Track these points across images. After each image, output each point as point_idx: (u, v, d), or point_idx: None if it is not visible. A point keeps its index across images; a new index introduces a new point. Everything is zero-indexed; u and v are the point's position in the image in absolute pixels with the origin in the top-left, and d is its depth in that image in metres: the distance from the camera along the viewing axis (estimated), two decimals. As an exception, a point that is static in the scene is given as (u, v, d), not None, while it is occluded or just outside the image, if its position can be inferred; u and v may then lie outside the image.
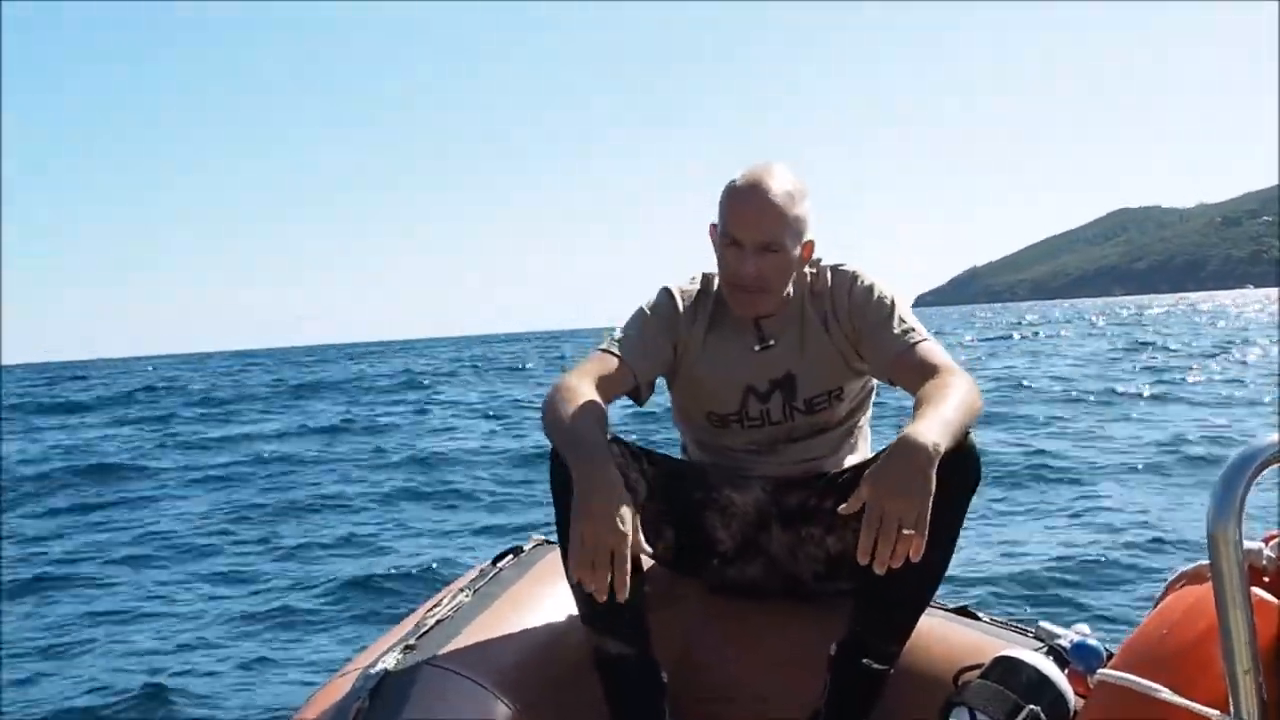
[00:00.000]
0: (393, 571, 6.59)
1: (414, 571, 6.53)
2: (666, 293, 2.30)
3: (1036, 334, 42.78)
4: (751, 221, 2.12)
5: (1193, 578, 1.67)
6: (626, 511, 1.82)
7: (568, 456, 1.93)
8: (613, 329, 2.29)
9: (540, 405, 2.08)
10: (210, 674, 4.83)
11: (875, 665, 2.08)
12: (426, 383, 29.06)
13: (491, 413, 18.90)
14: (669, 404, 2.47)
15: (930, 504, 1.76)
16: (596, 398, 2.05)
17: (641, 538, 1.84)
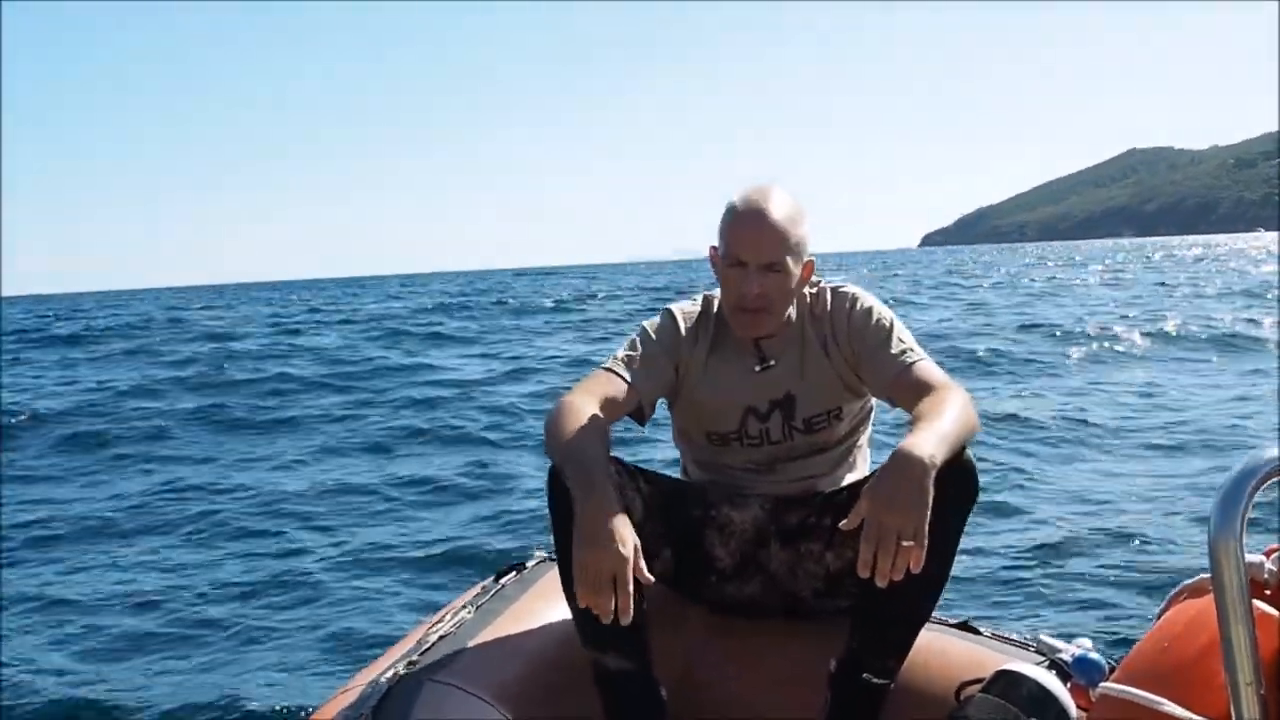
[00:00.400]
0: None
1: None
2: (669, 314, 2.33)
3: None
4: (754, 242, 2.14)
5: (1194, 591, 1.68)
6: (628, 535, 1.84)
7: (568, 478, 1.94)
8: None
9: (543, 423, 2.09)
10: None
11: (875, 681, 2.08)
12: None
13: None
14: (668, 422, 2.48)
15: (928, 516, 1.77)
16: (600, 418, 2.07)
17: (642, 562, 1.85)
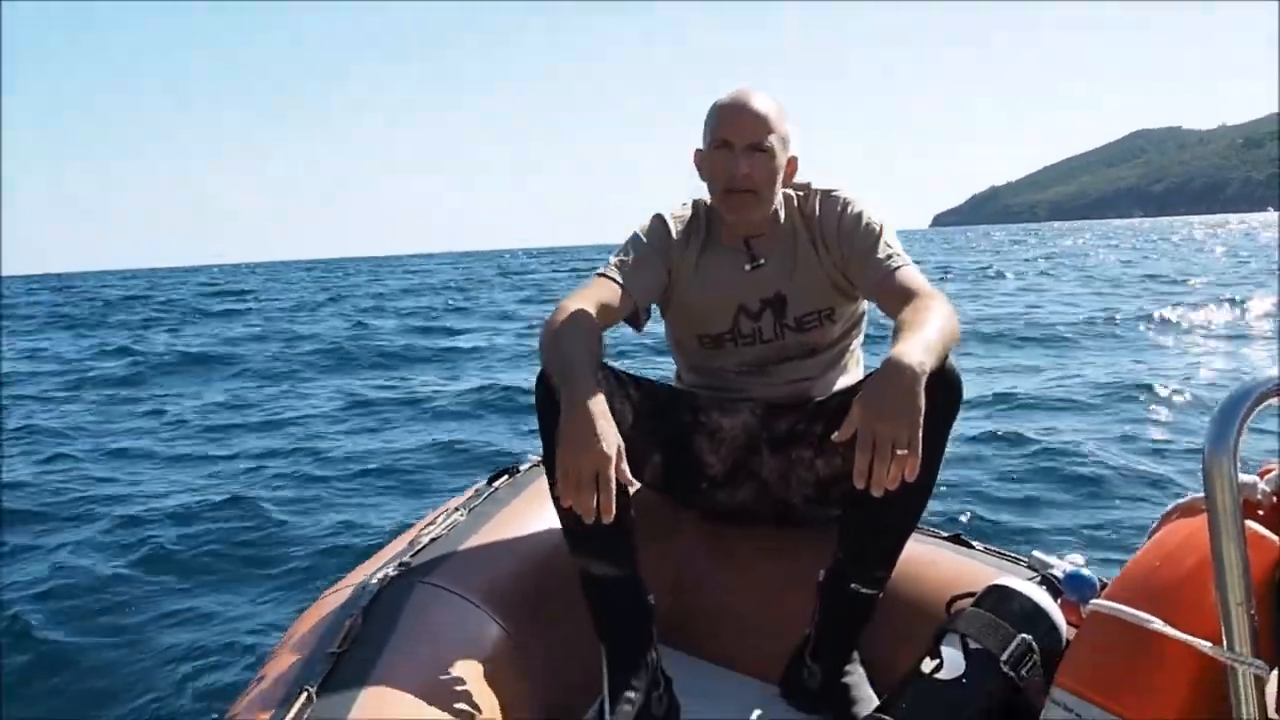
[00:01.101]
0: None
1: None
2: (659, 219, 2.34)
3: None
4: (739, 122, 2.19)
5: (1187, 510, 1.67)
6: (611, 434, 1.83)
7: (556, 380, 1.94)
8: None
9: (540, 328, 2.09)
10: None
11: (863, 590, 2.09)
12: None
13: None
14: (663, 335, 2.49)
15: (921, 422, 1.76)
16: (593, 322, 2.08)
17: (625, 465, 1.84)
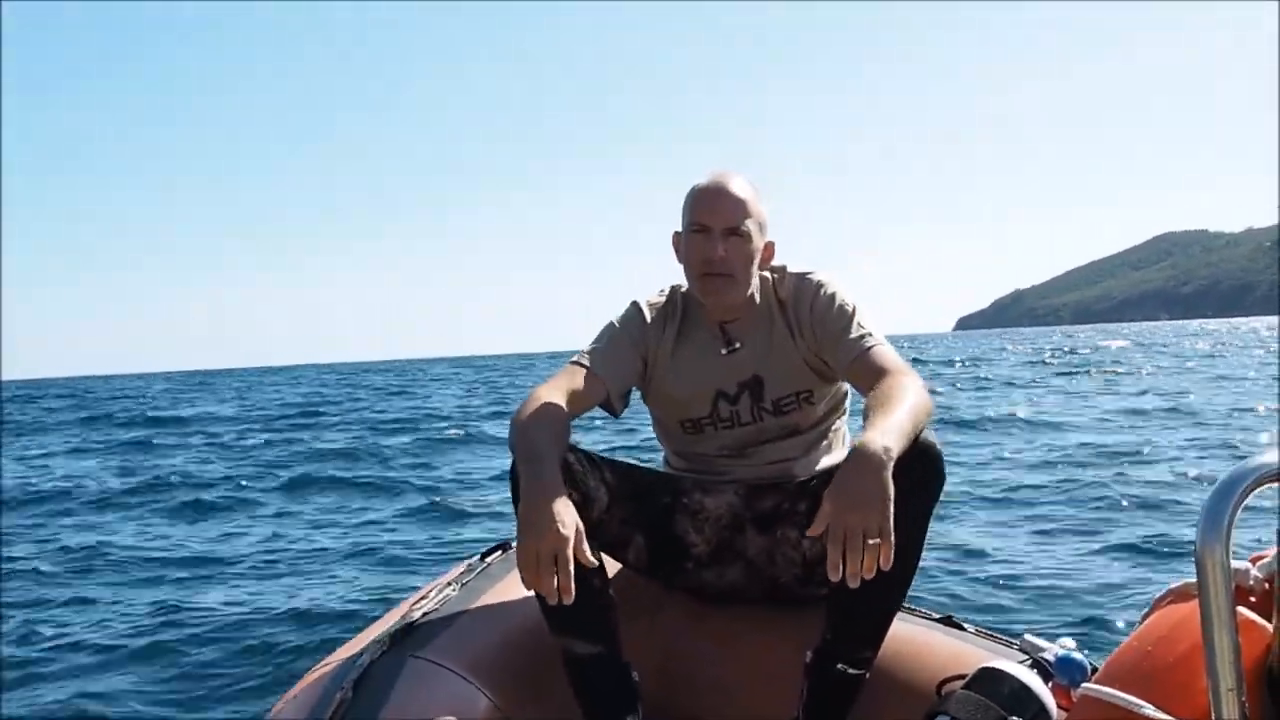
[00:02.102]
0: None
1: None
2: (635, 306, 2.37)
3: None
4: (716, 206, 2.22)
5: (1179, 595, 1.67)
6: (568, 517, 1.87)
7: (520, 469, 1.99)
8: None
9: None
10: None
11: (850, 671, 2.09)
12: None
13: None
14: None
15: (891, 510, 1.77)
16: (561, 411, 2.12)
17: (585, 546, 1.87)
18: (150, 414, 27.29)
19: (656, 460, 2.55)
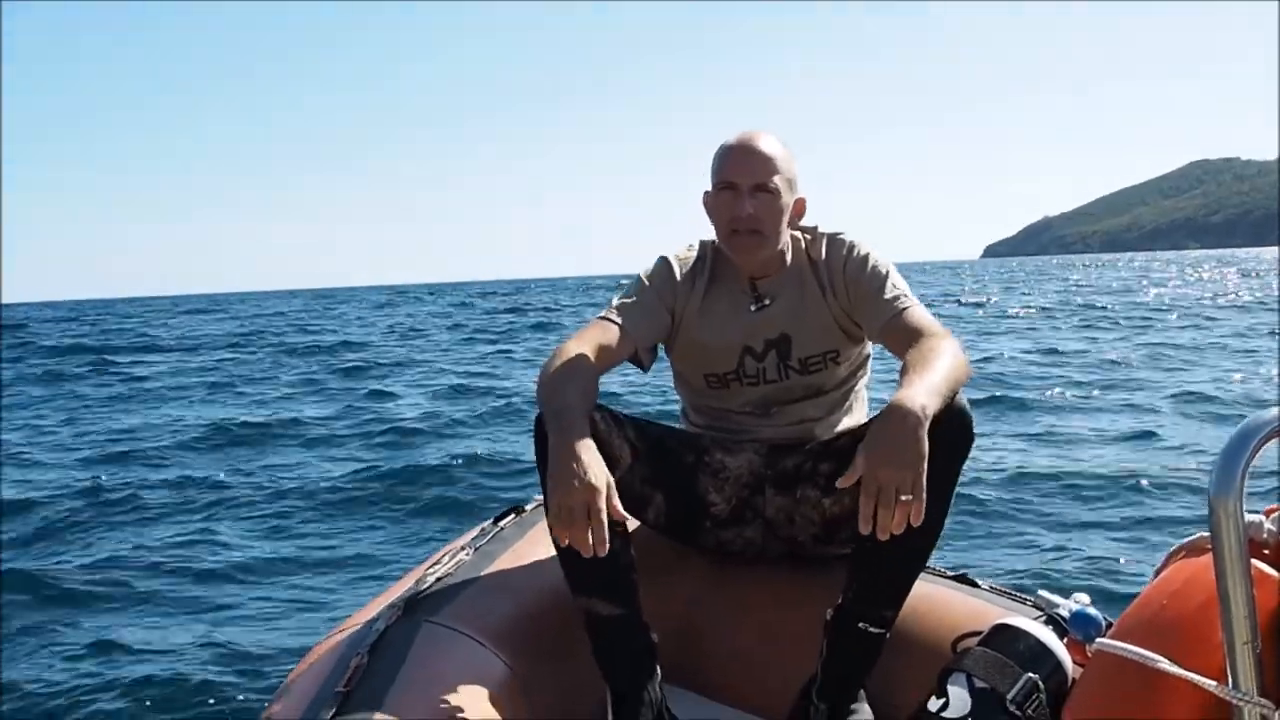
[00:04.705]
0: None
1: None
2: (664, 261, 2.36)
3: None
4: (745, 164, 2.22)
5: (1192, 549, 1.67)
6: (599, 469, 1.88)
7: (548, 423, 1.98)
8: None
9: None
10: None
11: (871, 630, 2.08)
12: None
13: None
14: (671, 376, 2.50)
15: (925, 468, 1.78)
16: (591, 364, 2.12)
17: (617, 500, 1.88)
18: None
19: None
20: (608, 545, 1.84)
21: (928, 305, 2.24)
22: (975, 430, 2.02)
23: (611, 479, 1.89)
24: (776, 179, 2.21)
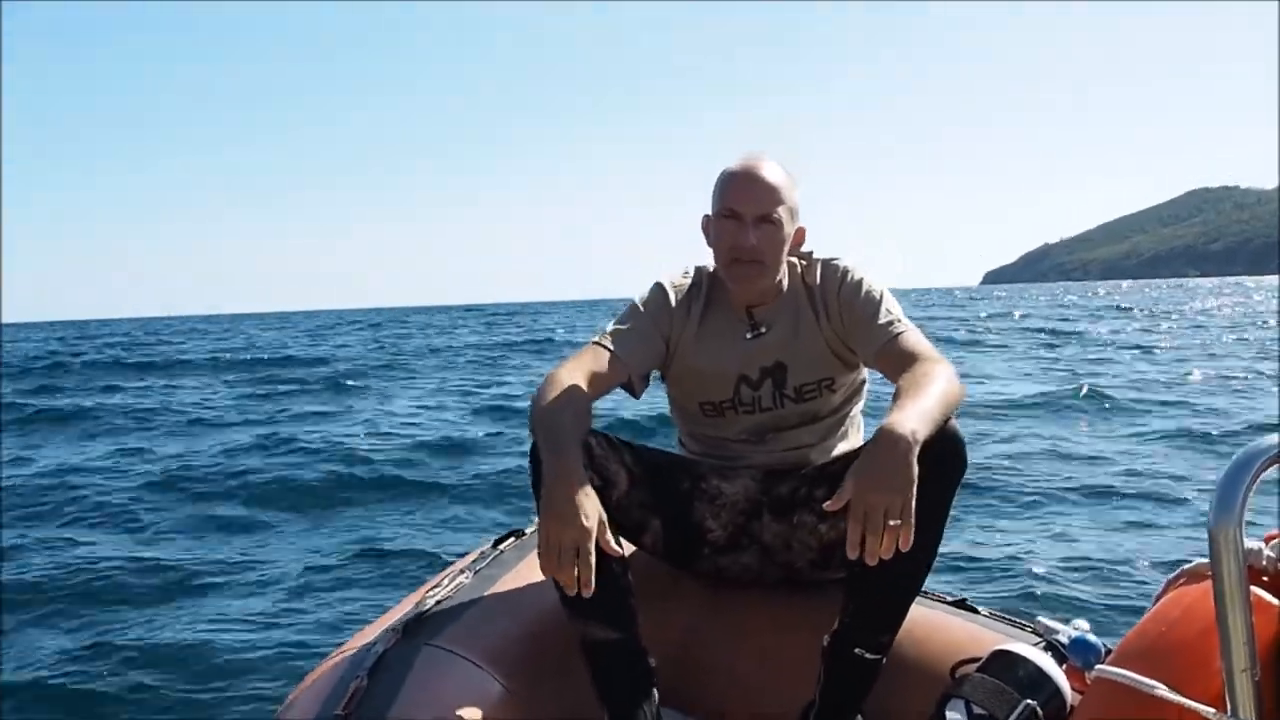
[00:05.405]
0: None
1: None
2: (659, 287, 2.36)
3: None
4: (750, 192, 2.22)
5: (1192, 576, 1.67)
6: (592, 508, 1.87)
7: (542, 453, 1.98)
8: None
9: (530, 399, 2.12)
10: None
11: (868, 655, 2.08)
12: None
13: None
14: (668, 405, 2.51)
15: (914, 493, 1.78)
16: (583, 391, 2.11)
17: (609, 536, 1.88)
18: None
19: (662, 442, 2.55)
20: (593, 586, 1.84)
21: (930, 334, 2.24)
22: (969, 457, 2.03)
23: (604, 516, 1.89)
24: (780, 210, 2.21)
